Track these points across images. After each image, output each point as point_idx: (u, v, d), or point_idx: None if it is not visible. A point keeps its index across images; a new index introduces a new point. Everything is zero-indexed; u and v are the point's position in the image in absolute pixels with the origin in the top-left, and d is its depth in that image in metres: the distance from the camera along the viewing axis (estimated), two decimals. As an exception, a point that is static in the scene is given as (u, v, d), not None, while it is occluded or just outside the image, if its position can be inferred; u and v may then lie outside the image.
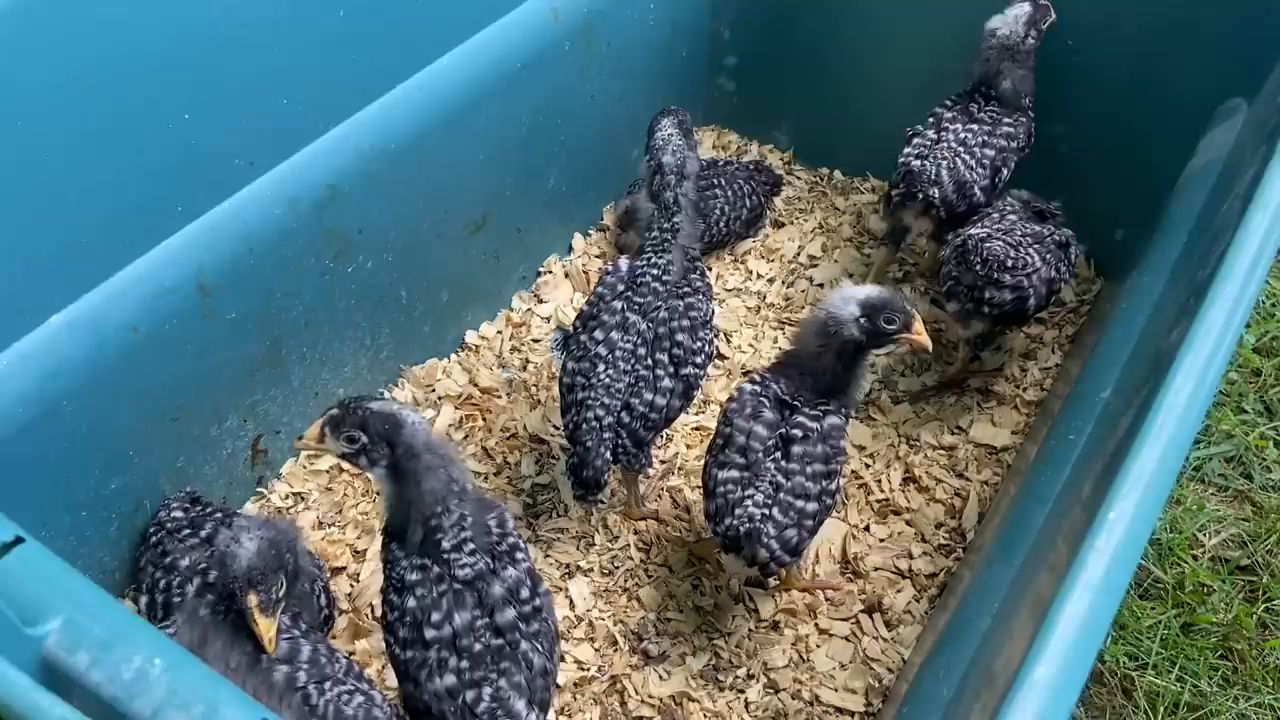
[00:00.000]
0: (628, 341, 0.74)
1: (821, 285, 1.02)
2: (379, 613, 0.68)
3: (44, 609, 0.44)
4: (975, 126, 0.94)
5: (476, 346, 0.95)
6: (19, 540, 0.46)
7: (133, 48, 0.62)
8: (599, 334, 0.74)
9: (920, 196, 0.95)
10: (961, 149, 0.93)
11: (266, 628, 0.57)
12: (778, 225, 1.07)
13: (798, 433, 0.70)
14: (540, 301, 0.99)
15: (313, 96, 0.71)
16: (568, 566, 0.79)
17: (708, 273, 0.87)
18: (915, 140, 0.97)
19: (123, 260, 0.64)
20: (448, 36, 0.78)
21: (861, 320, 0.70)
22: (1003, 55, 0.92)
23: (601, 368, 0.73)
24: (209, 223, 0.66)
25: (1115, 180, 0.92)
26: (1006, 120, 0.93)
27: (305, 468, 0.83)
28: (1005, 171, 0.94)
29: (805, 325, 0.73)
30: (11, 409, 0.62)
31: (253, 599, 0.56)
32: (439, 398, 0.89)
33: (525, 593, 0.60)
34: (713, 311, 0.79)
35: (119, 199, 0.64)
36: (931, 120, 0.97)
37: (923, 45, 0.99)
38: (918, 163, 0.95)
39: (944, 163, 0.94)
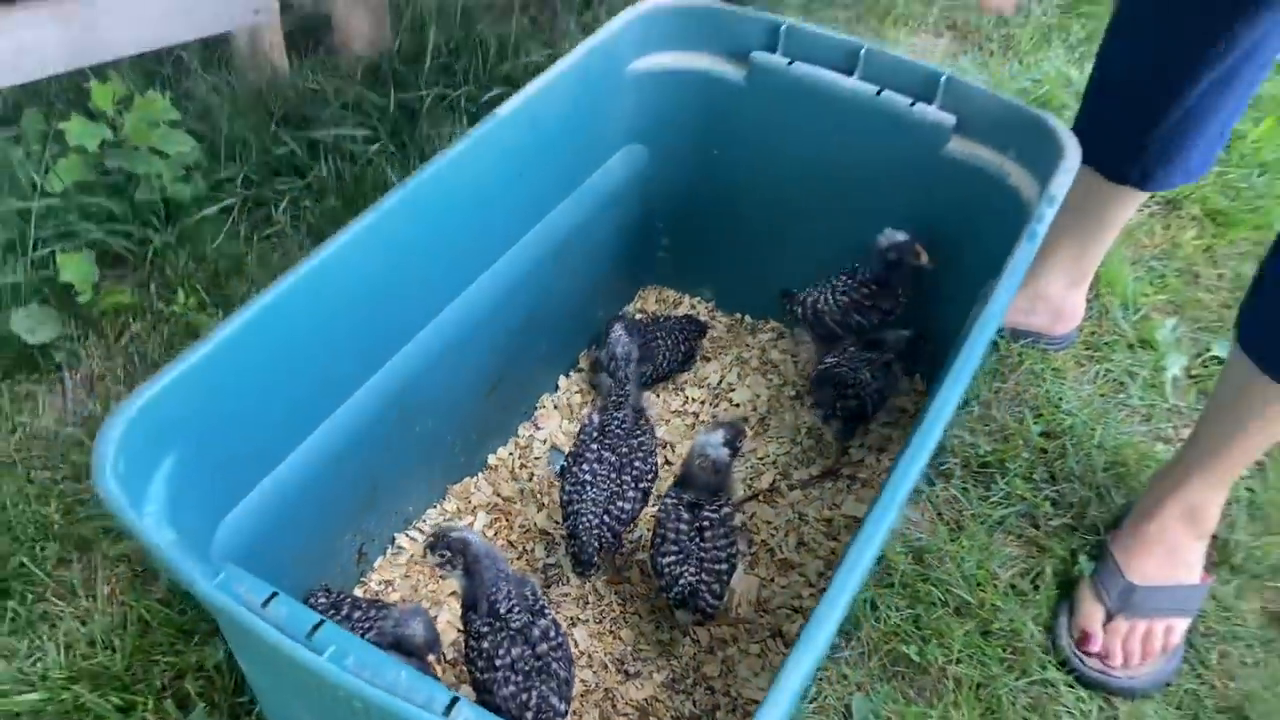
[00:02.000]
0: (603, 470, 1.13)
1: (739, 405, 1.41)
2: (454, 655, 1.05)
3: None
4: (852, 285, 1.33)
5: (496, 466, 1.33)
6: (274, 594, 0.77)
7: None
8: (585, 467, 1.13)
9: (788, 309, 1.34)
10: (830, 293, 1.33)
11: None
12: (705, 360, 1.47)
13: (706, 524, 1.09)
14: (538, 428, 1.38)
15: (391, 321, 1.10)
16: (572, 618, 1.17)
17: (651, 410, 1.27)
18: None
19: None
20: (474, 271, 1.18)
21: (726, 448, 1.10)
22: (883, 263, 1.29)
23: (588, 489, 1.12)
24: (349, 416, 1.04)
25: (932, 325, 1.33)
26: (884, 297, 1.32)
27: (390, 563, 1.21)
28: (863, 320, 1.34)
29: (691, 452, 1.12)
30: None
31: (432, 659, 0.93)
32: (474, 506, 1.27)
33: (552, 633, 0.98)
34: (655, 444, 1.19)
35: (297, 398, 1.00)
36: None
37: (816, 240, 1.38)
38: (801, 293, 1.35)
39: (811, 296, 1.34)
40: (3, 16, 1.24)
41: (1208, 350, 1.51)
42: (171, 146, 1.45)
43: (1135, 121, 1.24)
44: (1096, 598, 1.19)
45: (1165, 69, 1.18)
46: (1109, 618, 1.18)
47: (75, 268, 1.36)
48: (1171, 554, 1.20)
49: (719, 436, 1.12)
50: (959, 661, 1.15)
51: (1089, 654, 1.16)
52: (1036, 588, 1.23)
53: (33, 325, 1.32)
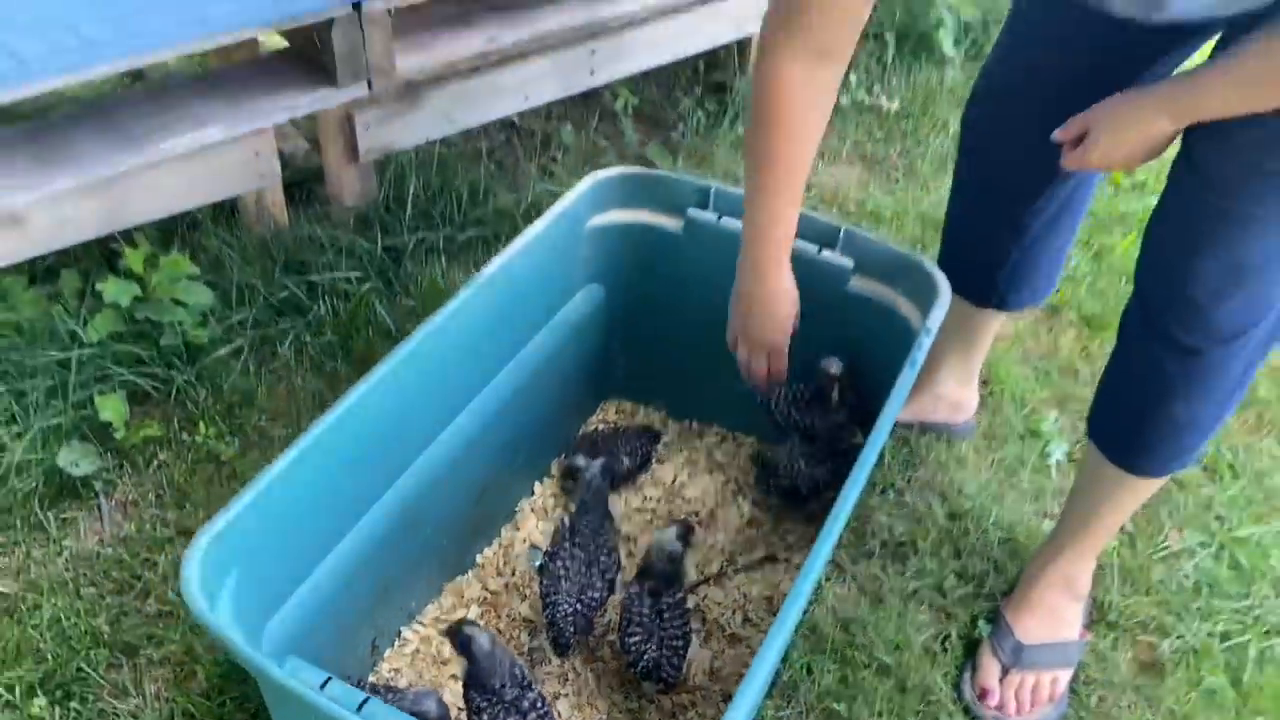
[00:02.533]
0: (575, 566, 1.35)
1: (690, 500, 1.65)
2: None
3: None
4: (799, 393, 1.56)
5: (483, 564, 1.53)
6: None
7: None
8: (559, 563, 1.35)
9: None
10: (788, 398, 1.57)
11: None
12: (660, 462, 1.70)
13: (665, 607, 1.31)
14: (518, 530, 1.59)
15: (401, 448, 1.32)
16: (555, 693, 1.38)
17: (615, 510, 1.50)
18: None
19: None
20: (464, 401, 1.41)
21: (679, 542, 1.34)
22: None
23: (563, 583, 1.34)
24: (367, 529, 1.25)
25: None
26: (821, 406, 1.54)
27: (398, 653, 1.41)
28: (803, 419, 1.57)
29: (650, 549, 1.35)
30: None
31: None
32: (467, 600, 1.48)
33: (540, 704, 1.19)
34: (618, 540, 1.42)
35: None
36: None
37: None
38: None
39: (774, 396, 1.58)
40: (48, 195, 1.46)
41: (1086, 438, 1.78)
42: (191, 297, 1.68)
43: (983, 264, 1.51)
44: (993, 655, 1.43)
45: (999, 226, 1.45)
46: (1004, 673, 1.41)
47: (112, 408, 1.57)
48: (1053, 615, 1.45)
49: (672, 533, 1.35)
50: (881, 715, 1.37)
51: (988, 706, 1.39)
52: (945, 649, 1.46)
53: (75, 459, 1.52)
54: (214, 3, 1.37)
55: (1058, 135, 1.18)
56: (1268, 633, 1.51)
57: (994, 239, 1.48)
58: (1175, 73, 1.20)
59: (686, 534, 1.37)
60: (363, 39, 1.55)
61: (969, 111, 1.44)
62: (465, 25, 1.76)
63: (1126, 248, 2.12)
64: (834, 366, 1.49)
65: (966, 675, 1.43)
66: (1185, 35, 1.17)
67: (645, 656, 1.29)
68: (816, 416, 1.53)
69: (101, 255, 1.78)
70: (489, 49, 1.74)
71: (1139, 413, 1.27)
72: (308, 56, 1.59)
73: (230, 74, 1.60)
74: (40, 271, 1.73)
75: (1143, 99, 1.09)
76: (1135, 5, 1.04)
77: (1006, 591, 1.52)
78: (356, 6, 1.51)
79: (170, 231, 1.83)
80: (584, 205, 1.52)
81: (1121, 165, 1.16)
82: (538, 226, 1.44)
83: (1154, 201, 1.22)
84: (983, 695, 1.40)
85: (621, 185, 1.55)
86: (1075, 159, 1.17)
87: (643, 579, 1.34)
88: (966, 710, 1.39)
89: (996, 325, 1.65)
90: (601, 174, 1.53)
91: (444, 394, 1.34)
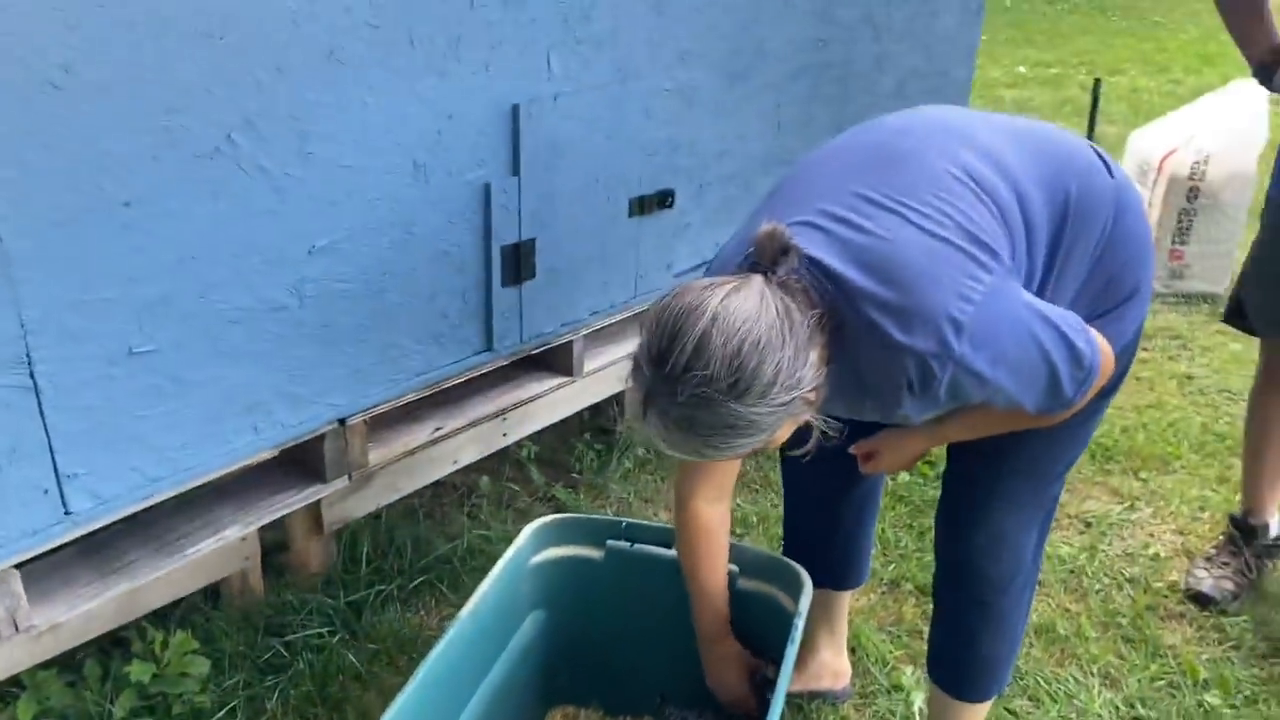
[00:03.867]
0: None
1: None
2: None
3: None
4: None
5: None
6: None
7: None
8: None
9: None
10: None
11: None
12: (606, 756, 2.05)
13: None
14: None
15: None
16: None
17: None
18: None
19: None
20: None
21: None
22: None
23: None
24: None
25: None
26: None
27: None
28: None
29: None
30: None
31: None
32: None
33: None
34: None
35: None
36: None
37: (673, 653, 2.03)
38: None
39: None
40: (59, 611, 1.78)
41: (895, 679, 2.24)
42: (194, 669, 1.99)
43: (816, 555, 1.95)
44: None
45: (817, 524, 1.96)
46: None
47: (136, 775, 1.83)
48: None
49: None
50: None
51: None
52: None
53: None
54: (237, 435, 1.83)
55: (853, 450, 1.74)
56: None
57: (819, 537, 1.98)
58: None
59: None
60: (345, 444, 2.02)
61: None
62: (415, 420, 2.26)
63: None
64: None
65: None
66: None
67: None
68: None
69: (108, 641, 2.08)
70: (435, 437, 2.23)
71: (957, 655, 1.75)
72: (296, 460, 2.04)
73: (235, 482, 2.02)
74: (60, 663, 2.01)
75: (913, 434, 1.67)
76: (893, 418, 1.42)
77: (897, 820, 1.90)
78: (342, 422, 2.00)
79: (167, 615, 2.15)
80: (527, 549, 1.96)
81: (901, 469, 1.73)
82: (496, 570, 1.87)
83: None
84: None
85: (553, 528, 2.00)
86: (870, 467, 1.73)
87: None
88: None
89: (846, 601, 2.14)
90: (537, 522, 1.99)
91: (445, 707, 1.69)
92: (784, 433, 1.24)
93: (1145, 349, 3.79)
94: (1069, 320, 1.33)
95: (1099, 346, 1.35)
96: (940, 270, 1.21)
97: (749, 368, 1.10)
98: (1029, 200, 1.34)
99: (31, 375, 1.52)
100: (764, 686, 1.77)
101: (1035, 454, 1.57)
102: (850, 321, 1.21)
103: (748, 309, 1.12)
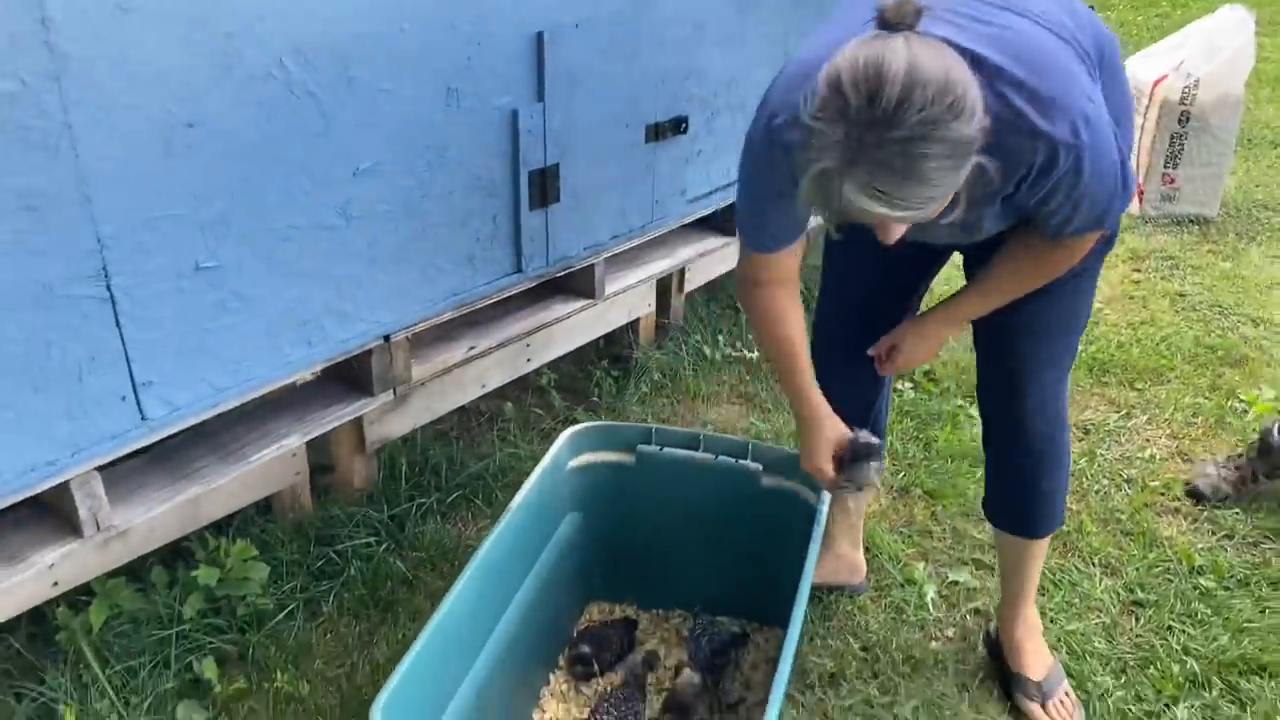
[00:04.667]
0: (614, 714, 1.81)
1: (669, 668, 2.12)
2: None
3: None
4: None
5: (525, 742, 1.96)
6: None
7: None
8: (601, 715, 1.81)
9: None
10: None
11: None
12: (641, 644, 2.19)
13: None
14: (544, 711, 2.01)
15: (475, 637, 1.79)
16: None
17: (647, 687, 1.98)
18: None
19: None
20: (504, 607, 1.90)
21: (699, 678, 1.83)
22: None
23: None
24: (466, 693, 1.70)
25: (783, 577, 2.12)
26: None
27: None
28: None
29: (679, 684, 1.83)
30: None
31: None
32: (521, 769, 1.89)
33: None
34: (644, 707, 1.89)
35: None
36: None
37: (699, 551, 2.17)
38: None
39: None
40: (136, 512, 1.91)
41: (947, 576, 2.39)
42: (254, 574, 2.12)
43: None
44: (1029, 700, 1.95)
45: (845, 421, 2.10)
46: (1043, 706, 1.94)
47: (209, 670, 1.96)
48: (1037, 653, 1.99)
49: (695, 677, 1.85)
50: (846, 792, 1.84)
51: None
52: (881, 741, 1.96)
53: (190, 713, 1.90)
54: (293, 349, 1.94)
55: (872, 351, 1.86)
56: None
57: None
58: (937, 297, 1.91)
59: (697, 679, 1.87)
60: (390, 360, 2.14)
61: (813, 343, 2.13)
62: (451, 340, 2.37)
63: (946, 437, 2.83)
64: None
65: None
66: (940, 253, 1.89)
67: None
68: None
69: (169, 551, 2.21)
70: (470, 355, 2.35)
71: (1021, 499, 1.92)
72: (344, 376, 2.16)
73: (291, 397, 2.14)
74: (125, 572, 2.14)
75: (927, 321, 1.81)
76: (956, 235, 1.53)
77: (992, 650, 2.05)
78: (386, 338, 2.11)
79: (225, 527, 2.28)
80: (565, 453, 2.09)
81: (919, 364, 1.87)
82: (537, 471, 2.00)
83: (956, 403, 1.90)
84: None
85: (590, 435, 2.13)
86: (889, 366, 1.85)
87: (667, 712, 1.82)
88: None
89: (864, 499, 2.28)
90: (573, 429, 2.11)
91: (494, 600, 1.83)
92: (957, 187, 1.20)
93: (1138, 269, 3.92)
94: (1124, 153, 1.45)
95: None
96: (1072, 66, 1.27)
97: (958, 88, 1.09)
98: (1084, 43, 1.41)
99: (109, 288, 1.62)
100: (853, 458, 1.74)
101: (1063, 313, 1.72)
102: (990, 107, 1.18)
103: (929, 49, 1.10)
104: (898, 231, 1.34)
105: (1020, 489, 1.93)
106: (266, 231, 1.81)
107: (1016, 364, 1.80)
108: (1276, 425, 2.61)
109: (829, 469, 1.72)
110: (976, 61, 1.19)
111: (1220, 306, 3.59)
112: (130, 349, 1.68)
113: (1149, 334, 3.42)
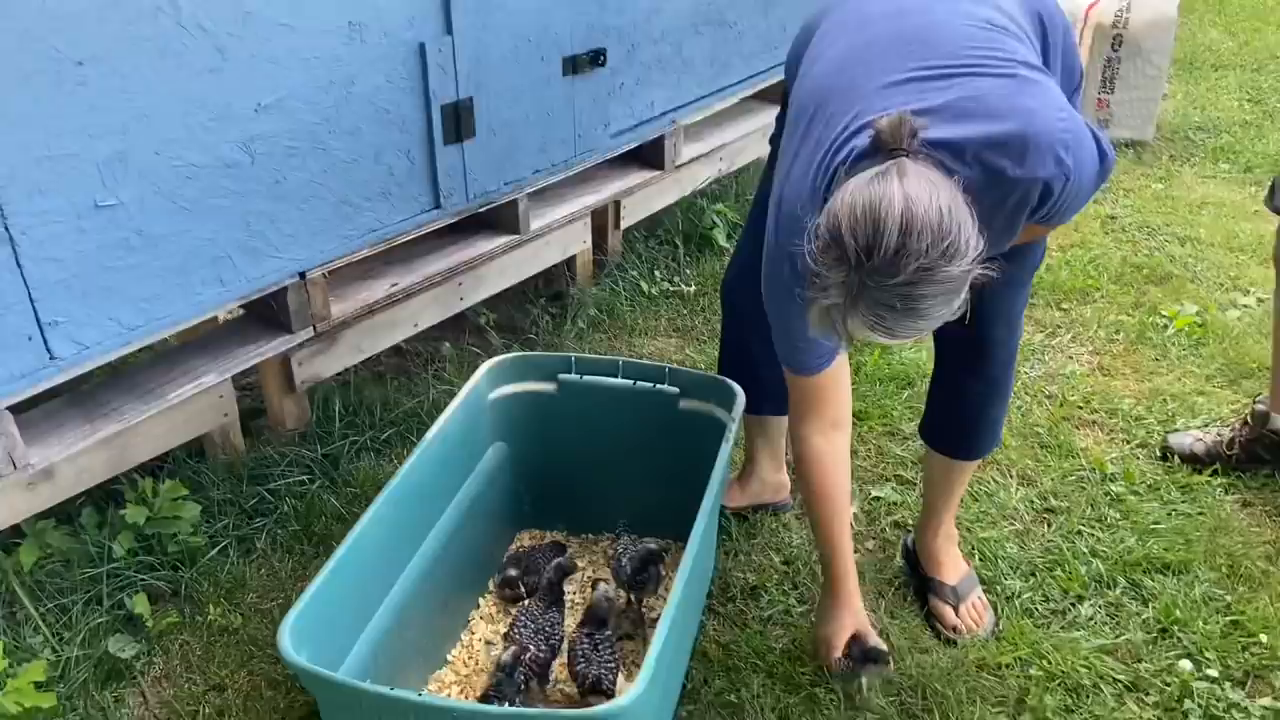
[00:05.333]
0: (531, 632, 1.88)
1: (598, 587, 2.19)
2: None
3: None
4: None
5: (454, 660, 2.01)
6: None
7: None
8: (518, 630, 1.87)
9: None
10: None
11: None
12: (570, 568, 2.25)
13: (599, 641, 1.80)
14: (473, 632, 2.07)
15: (397, 556, 1.84)
16: None
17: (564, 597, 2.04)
18: None
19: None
20: (426, 531, 1.95)
21: (611, 594, 1.89)
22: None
23: (525, 636, 1.86)
24: (365, 644, 1.75)
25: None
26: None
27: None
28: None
29: (593, 598, 1.89)
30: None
31: None
32: (446, 687, 1.96)
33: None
34: (562, 618, 1.94)
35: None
36: None
37: (622, 475, 2.22)
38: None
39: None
40: (70, 454, 1.94)
41: (869, 493, 2.45)
42: (185, 513, 2.16)
43: (762, 384, 2.10)
44: (943, 603, 2.03)
45: (762, 354, 2.13)
46: (955, 609, 2.02)
47: (140, 604, 2.01)
48: (954, 561, 2.08)
49: (606, 589, 1.90)
50: (759, 696, 1.91)
51: (960, 632, 1.99)
52: (795, 650, 2.03)
53: (122, 646, 1.95)
54: (205, 287, 1.96)
55: None
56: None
57: (752, 365, 2.16)
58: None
59: (613, 593, 1.93)
60: (307, 297, 2.16)
61: (727, 278, 2.17)
62: (373, 277, 2.40)
63: (875, 361, 2.88)
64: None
65: (935, 624, 2.03)
66: None
67: (590, 675, 1.81)
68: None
69: (101, 494, 2.24)
70: (392, 292, 2.38)
71: (967, 424, 1.98)
72: (262, 315, 2.18)
73: (209, 337, 2.16)
74: (56, 514, 2.18)
75: None
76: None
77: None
78: (302, 275, 2.13)
79: (157, 470, 2.32)
80: (484, 384, 2.13)
81: None
82: (455, 402, 2.04)
83: None
84: (954, 630, 2.00)
85: (510, 367, 2.17)
86: None
87: (584, 625, 1.88)
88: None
89: (784, 424, 2.33)
90: (494, 360, 2.16)
91: (412, 526, 1.88)
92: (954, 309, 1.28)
93: (1072, 194, 3.96)
94: (1095, 129, 1.49)
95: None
96: (1028, 98, 1.32)
97: (952, 231, 1.15)
98: (1024, 25, 1.48)
99: (6, 228, 1.64)
100: (863, 658, 1.79)
101: (1036, 258, 1.78)
102: (974, 181, 1.27)
103: (923, 185, 1.16)
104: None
105: (970, 415, 1.93)
106: (167, 169, 1.82)
107: (994, 289, 1.85)
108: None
109: (836, 654, 1.80)
110: (948, 145, 1.27)
111: (1149, 227, 3.65)
112: (33, 289, 1.70)
113: (1078, 256, 3.48)
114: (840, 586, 1.78)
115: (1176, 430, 2.59)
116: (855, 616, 1.80)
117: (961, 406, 1.99)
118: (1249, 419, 2.46)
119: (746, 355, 2.18)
